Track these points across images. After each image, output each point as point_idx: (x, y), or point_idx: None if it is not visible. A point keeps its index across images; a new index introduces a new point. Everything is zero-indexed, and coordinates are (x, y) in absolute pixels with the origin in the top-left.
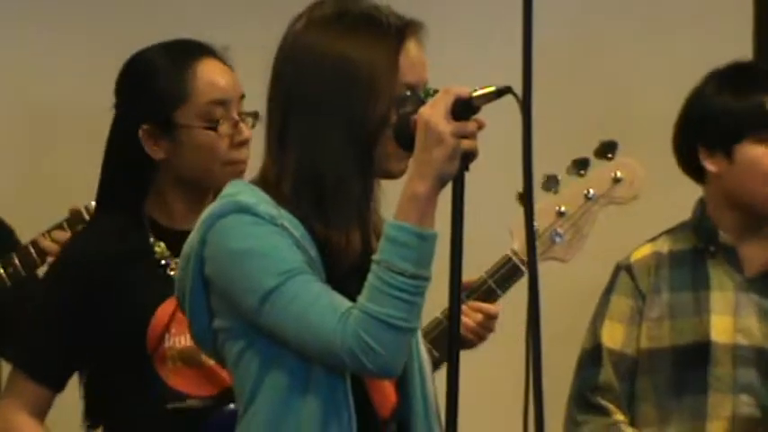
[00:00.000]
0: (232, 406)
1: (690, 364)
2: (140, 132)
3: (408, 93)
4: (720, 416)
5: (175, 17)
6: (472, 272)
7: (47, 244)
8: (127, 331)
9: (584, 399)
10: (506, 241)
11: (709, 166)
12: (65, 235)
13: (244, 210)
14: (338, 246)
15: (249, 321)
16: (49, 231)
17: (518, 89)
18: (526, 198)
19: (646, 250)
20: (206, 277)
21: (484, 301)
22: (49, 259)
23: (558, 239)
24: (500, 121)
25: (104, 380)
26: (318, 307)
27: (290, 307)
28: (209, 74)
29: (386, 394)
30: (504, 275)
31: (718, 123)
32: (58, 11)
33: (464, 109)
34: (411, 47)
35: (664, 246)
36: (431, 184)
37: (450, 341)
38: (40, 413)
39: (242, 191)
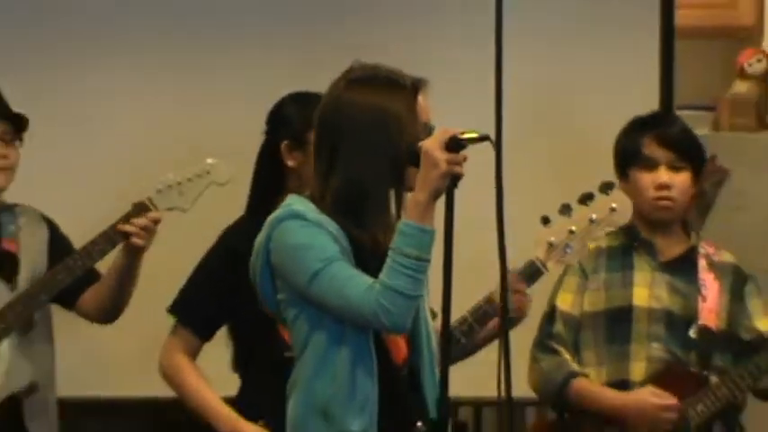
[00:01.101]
0: None
1: (618, 322)
2: (282, 146)
3: (426, 128)
4: (639, 358)
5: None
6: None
7: (127, 227)
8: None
9: (543, 344)
10: (531, 250)
11: (621, 185)
12: (142, 220)
13: (296, 216)
14: (366, 243)
15: (300, 295)
16: (122, 219)
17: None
18: (498, 224)
19: (591, 246)
20: (271, 264)
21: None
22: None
23: (568, 250)
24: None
25: (244, 334)
26: (351, 283)
27: (330, 283)
28: None
29: (399, 347)
30: (529, 273)
31: (618, 154)
32: (223, 63)
33: (455, 144)
34: (421, 98)
35: (603, 243)
36: (428, 195)
37: (444, 309)
38: (193, 355)
39: (296, 202)
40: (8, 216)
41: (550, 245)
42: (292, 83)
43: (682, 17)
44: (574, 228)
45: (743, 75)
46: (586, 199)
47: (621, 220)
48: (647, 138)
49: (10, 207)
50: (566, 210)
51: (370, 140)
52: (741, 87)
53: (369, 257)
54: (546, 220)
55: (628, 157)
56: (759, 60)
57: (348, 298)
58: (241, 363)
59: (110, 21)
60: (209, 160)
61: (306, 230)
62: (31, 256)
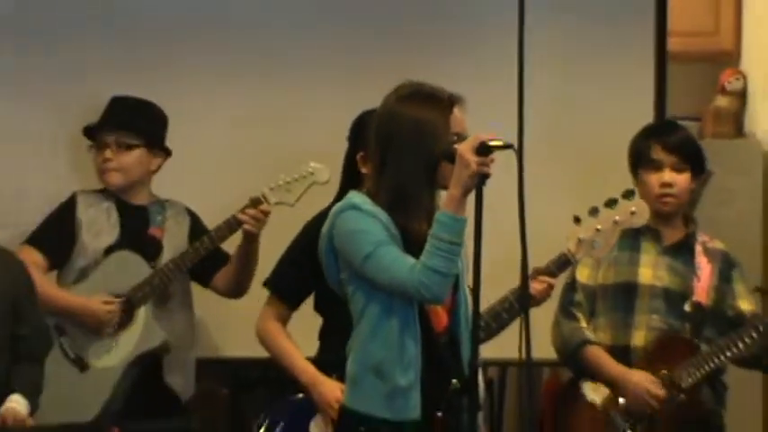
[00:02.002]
0: (300, 395)
1: (624, 295)
2: (358, 156)
3: (456, 137)
4: (641, 327)
5: None
6: (543, 260)
7: (242, 216)
8: None
9: (566, 309)
10: (563, 244)
11: (635, 184)
12: (254, 211)
13: (354, 207)
14: (411, 230)
15: (357, 273)
16: (242, 210)
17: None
18: (520, 226)
19: None
20: (334, 247)
21: (548, 276)
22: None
23: (596, 245)
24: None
25: (323, 306)
26: (397, 263)
27: (380, 263)
28: None
29: (440, 317)
30: (560, 263)
31: (631, 156)
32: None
33: (484, 149)
34: (456, 111)
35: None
36: (460, 191)
37: (474, 288)
38: (283, 322)
39: (354, 196)
40: (158, 208)
41: (580, 240)
42: (356, 97)
43: (673, 44)
44: (600, 227)
45: (723, 91)
46: (612, 203)
47: (640, 222)
48: (655, 144)
49: (161, 201)
50: (594, 212)
51: (410, 147)
52: (722, 102)
53: (412, 242)
54: (577, 220)
55: (638, 159)
56: (737, 79)
57: (394, 276)
58: (322, 328)
59: (206, 52)
60: (313, 164)
61: (361, 219)
62: (174, 242)
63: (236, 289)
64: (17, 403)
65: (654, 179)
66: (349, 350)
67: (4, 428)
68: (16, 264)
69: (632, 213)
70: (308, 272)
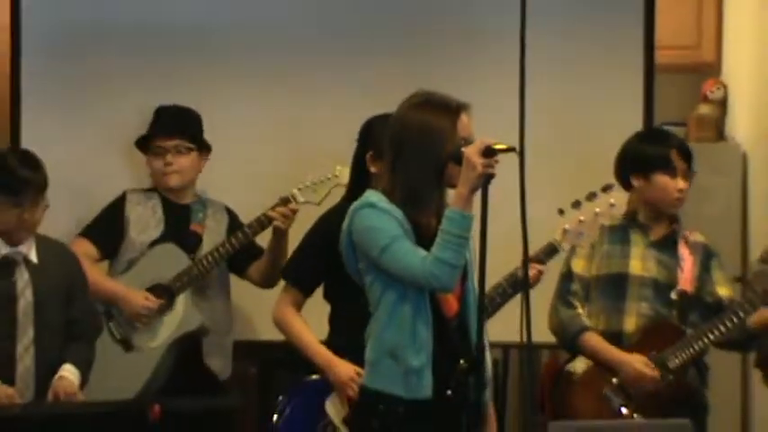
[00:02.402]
0: (315, 377)
1: (616, 284)
2: (367, 157)
3: (463, 141)
4: (632, 314)
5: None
6: (534, 248)
7: (272, 213)
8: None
9: (563, 298)
10: (551, 233)
11: (635, 182)
12: (283, 209)
13: (371, 205)
14: (422, 225)
15: (374, 264)
16: (272, 208)
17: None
18: (522, 220)
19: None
20: (353, 241)
21: (538, 263)
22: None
23: (580, 236)
24: (544, 166)
25: (336, 292)
26: (410, 255)
27: (395, 256)
28: None
29: (450, 304)
30: (548, 251)
31: (641, 160)
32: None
33: (489, 152)
34: (463, 117)
35: (606, 222)
36: (468, 190)
37: (480, 277)
38: (298, 308)
39: (371, 195)
40: (199, 207)
41: (565, 230)
42: (374, 105)
43: (660, 57)
44: (582, 218)
45: (706, 100)
46: (592, 196)
47: (618, 214)
48: (673, 150)
49: (202, 200)
50: (576, 204)
51: (421, 150)
52: (705, 109)
53: (423, 236)
54: (561, 212)
55: (654, 162)
56: (718, 89)
57: (408, 267)
58: (331, 314)
59: (243, 62)
60: (339, 167)
61: (377, 216)
62: (213, 237)
63: (269, 280)
64: (69, 372)
65: (671, 184)
66: (367, 335)
67: (56, 403)
68: (70, 255)
69: (611, 205)
70: (320, 263)
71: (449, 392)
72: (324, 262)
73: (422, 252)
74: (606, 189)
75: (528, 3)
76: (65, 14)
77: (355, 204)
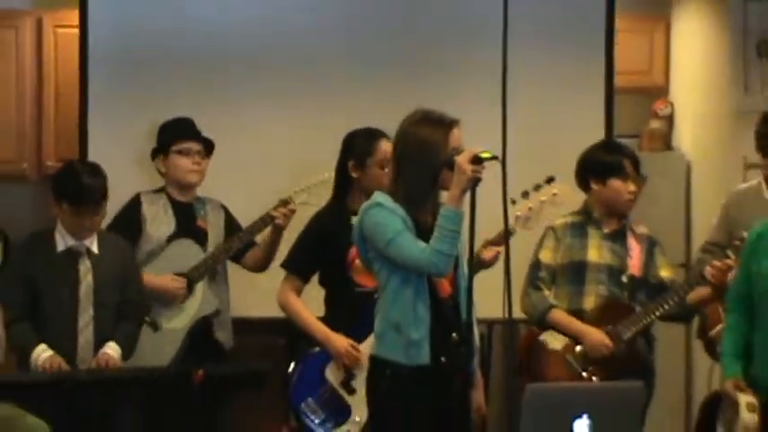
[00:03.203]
0: (316, 349)
1: (578, 271)
2: (349, 164)
3: (455, 151)
4: (590, 294)
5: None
6: (493, 233)
7: (274, 213)
8: (339, 255)
9: (533, 283)
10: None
11: (593, 186)
12: (284, 209)
13: (378, 205)
14: (421, 221)
15: (381, 254)
16: (274, 208)
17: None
18: (504, 216)
19: (560, 220)
20: (364, 235)
21: (496, 246)
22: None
23: (529, 220)
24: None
25: (329, 278)
26: (412, 247)
27: (399, 247)
28: (385, 146)
29: (445, 287)
30: (499, 238)
31: (598, 167)
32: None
33: (476, 160)
34: (455, 131)
35: (568, 219)
36: (459, 191)
37: (469, 264)
38: (298, 292)
39: (379, 196)
40: (200, 204)
41: (517, 217)
42: (362, 120)
43: (618, 80)
44: (531, 206)
45: (656, 116)
46: (537, 187)
47: (559, 201)
48: (626, 159)
49: (200, 198)
50: (525, 195)
51: (419, 159)
52: (655, 124)
53: (422, 231)
54: (513, 201)
55: (609, 169)
56: (666, 107)
57: (410, 256)
58: (326, 296)
59: (258, 81)
60: (327, 173)
61: (383, 214)
62: (215, 231)
63: (262, 266)
64: (111, 349)
65: (624, 187)
66: (376, 313)
67: (115, 369)
68: (125, 247)
69: (554, 195)
70: (315, 255)
71: (443, 360)
72: (318, 254)
73: (421, 244)
74: (549, 181)
75: (509, 37)
76: (126, 44)
77: (365, 204)
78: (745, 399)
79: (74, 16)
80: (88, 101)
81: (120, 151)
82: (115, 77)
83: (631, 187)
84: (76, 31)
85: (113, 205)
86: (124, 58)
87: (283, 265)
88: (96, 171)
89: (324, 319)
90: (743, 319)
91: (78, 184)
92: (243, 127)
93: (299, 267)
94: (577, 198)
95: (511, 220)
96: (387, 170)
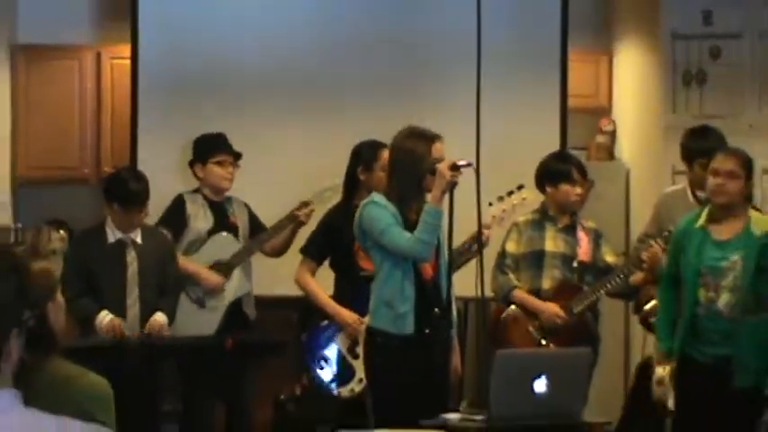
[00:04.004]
0: (325, 322)
1: (537, 258)
2: (358, 169)
3: (436, 160)
4: (547, 277)
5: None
6: (471, 230)
7: (298, 212)
8: (347, 244)
9: (500, 269)
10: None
11: (547, 189)
12: (305, 209)
13: (374, 203)
14: (408, 218)
15: (376, 242)
16: (297, 208)
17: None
18: (477, 213)
19: (523, 217)
20: (362, 227)
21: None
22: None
23: (503, 220)
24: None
25: (338, 263)
26: (401, 237)
27: (390, 237)
28: (386, 154)
29: (428, 270)
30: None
31: (551, 173)
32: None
33: (454, 167)
34: (437, 143)
35: (529, 216)
36: (440, 193)
37: (449, 251)
38: (312, 274)
39: (375, 196)
40: (229, 203)
41: (493, 217)
42: (370, 134)
43: (571, 101)
44: (505, 208)
45: (601, 132)
46: (510, 193)
47: (530, 205)
48: (574, 167)
49: (229, 198)
50: (500, 199)
51: (407, 167)
52: (601, 138)
53: (409, 225)
54: (490, 204)
55: (560, 176)
56: (609, 124)
57: (399, 245)
58: (336, 278)
59: (280, 99)
60: (338, 180)
61: (377, 210)
62: (243, 225)
63: (279, 253)
64: (159, 317)
65: (571, 191)
66: (371, 291)
67: (164, 337)
68: (163, 238)
69: (524, 199)
70: (327, 243)
71: (427, 331)
72: (329, 242)
73: (408, 234)
74: (519, 188)
75: (482, 63)
76: (170, 74)
77: (363, 202)
78: (659, 370)
79: (126, 50)
80: (138, 119)
81: (162, 159)
82: (158, 101)
83: (578, 190)
84: (128, 62)
85: (154, 202)
86: (167, 85)
87: (301, 251)
88: (140, 177)
89: (334, 297)
90: (672, 295)
91: (126, 189)
92: (262, 139)
93: (313, 252)
94: (540, 200)
95: (489, 220)
96: None
